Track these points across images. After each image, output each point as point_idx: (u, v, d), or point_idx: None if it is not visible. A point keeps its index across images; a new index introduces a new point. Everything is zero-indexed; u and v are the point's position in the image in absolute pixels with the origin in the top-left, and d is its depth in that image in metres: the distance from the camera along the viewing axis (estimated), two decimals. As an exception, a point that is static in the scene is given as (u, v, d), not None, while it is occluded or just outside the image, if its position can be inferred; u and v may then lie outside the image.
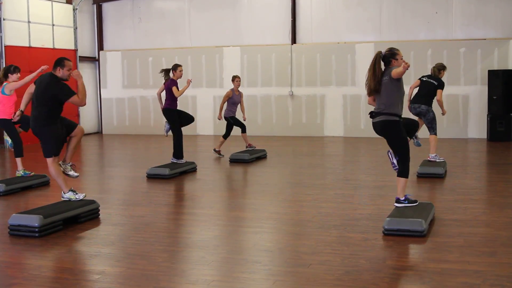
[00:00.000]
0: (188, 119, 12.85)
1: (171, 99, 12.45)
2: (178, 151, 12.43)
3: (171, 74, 12.56)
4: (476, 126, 17.98)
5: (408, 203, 7.73)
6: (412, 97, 11.71)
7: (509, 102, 17.05)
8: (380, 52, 7.62)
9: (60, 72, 8.09)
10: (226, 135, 14.20)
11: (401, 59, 7.55)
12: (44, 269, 6.20)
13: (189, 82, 12.74)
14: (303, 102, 19.49)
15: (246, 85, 19.59)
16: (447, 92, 17.73)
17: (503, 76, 16.97)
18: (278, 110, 19.73)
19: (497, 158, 14.13)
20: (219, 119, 14.33)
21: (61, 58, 8.17)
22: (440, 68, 11.85)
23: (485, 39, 17.83)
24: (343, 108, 19.07)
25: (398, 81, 7.52)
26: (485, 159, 14.27)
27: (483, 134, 17.69)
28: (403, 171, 7.69)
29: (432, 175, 10.93)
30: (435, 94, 11.60)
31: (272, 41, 19.81)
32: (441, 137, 17.45)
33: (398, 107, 7.58)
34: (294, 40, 19.59)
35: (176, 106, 12.62)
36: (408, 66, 7.13)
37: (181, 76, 12.59)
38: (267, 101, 19.75)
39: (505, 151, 15.09)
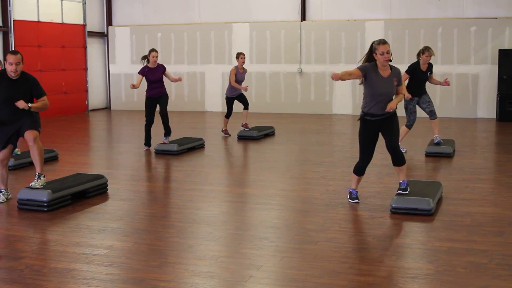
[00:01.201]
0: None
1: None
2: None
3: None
4: (486, 106, 17.89)
5: (349, 197, 7.70)
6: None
7: (519, 82, 16.95)
8: (372, 44, 7.27)
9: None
10: (228, 114, 13.94)
11: (381, 54, 7.06)
12: (52, 243, 6.25)
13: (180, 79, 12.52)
14: (312, 79, 19.43)
15: (255, 61, 19.53)
16: (457, 71, 17.71)
17: (513, 56, 16.86)
18: (287, 87, 19.67)
19: (505, 138, 14.07)
20: (246, 90, 13.77)
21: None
22: (418, 53, 11.10)
23: (496, 18, 17.68)
24: (352, 86, 18.98)
25: (364, 82, 7.30)
26: (493, 139, 14.21)
27: (492, 114, 17.61)
28: (354, 166, 7.64)
29: (441, 154, 10.91)
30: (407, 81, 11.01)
31: (282, 18, 19.70)
32: (450, 116, 17.43)
33: (368, 105, 7.27)
34: (303, 17, 19.48)
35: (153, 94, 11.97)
36: (333, 78, 6.92)
37: (155, 62, 11.84)
38: (275, 78, 19.70)
39: (514, 131, 15.04)
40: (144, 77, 11.79)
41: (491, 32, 17.68)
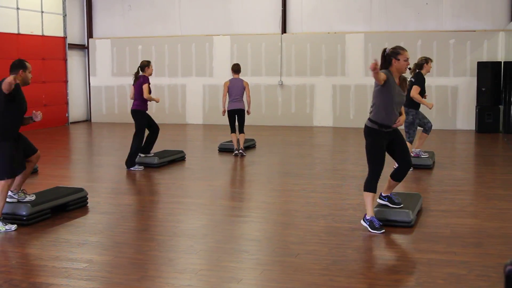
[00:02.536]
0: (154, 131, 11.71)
1: (141, 100, 11.43)
2: (132, 158, 11.33)
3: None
4: (465, 118, 18.04)
5: (369, 225, 6.89)
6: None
7: (498, 94, 17.12)
8: (384, 50, 6.95)
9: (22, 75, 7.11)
10: (232, 129, 12.93)
11: (405, 60, 6.82)
12: (31, 257, 6.20)
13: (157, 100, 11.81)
14: (292, 91, 19.48)
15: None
16: (436, 83, 17.84)
17: (492, 68, 17.02)
18: (268, 99, 19.71)
19: (485, 150, 14.19)
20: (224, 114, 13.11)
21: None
22: (421, 62, 10.89)
23: (474, 31, 17.87)
24: (332, 98, 19.08)
25: (383, 86, 6.78)
26: (473, 151, 14.33)
27: (472, 126, 17.77)
28: (367, 185, 6.98)
29: (420, 166, 10.98)
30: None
31: (262, 31, 19.77)
32: (430, 128, 17.51)
33: (382, 115, 6.85)
34: (284, 30, 19.57)
35: (146, 108, 11.57)
36: (374, 67, 6.34)
37: (151, 73, 11.58)
38: (256, 91, 19.72)
39: (493, 142, 15.16)
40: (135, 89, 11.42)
41: (470, 45, 17.86)
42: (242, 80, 12.99)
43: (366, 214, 6.98)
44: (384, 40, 18.29)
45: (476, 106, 17.30)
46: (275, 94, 19.64)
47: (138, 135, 11.34)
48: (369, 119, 6.99)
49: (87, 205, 8.25)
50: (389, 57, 6.86)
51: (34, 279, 5.43)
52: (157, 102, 11.66)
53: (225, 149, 13.43)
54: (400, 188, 9.31)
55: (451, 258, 5.89)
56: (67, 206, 7.90)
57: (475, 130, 17.28)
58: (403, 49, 6.90)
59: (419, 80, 10.68)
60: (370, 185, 6.95)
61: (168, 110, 20.60)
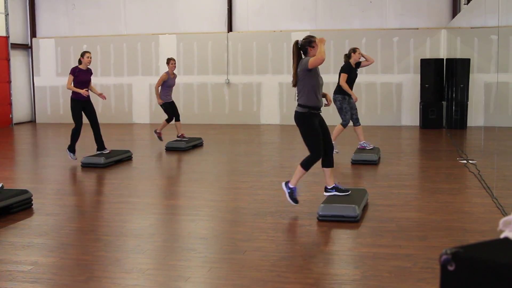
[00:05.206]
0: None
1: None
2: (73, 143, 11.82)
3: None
4: (409, 114, 18.34)
5: (289, 192, 7.58)
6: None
7: (441, 91, 17.46)
8: (296, 42, 7.55)
9: None
10: (169, 119, 13.80)
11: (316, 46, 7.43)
12: (-26, 261, 6.08)
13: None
14: (239, 90, 19.52)
15: (182, 73, 19.51)
16: (381, 80, 18.08)
17: (435, 65, 17.35)
18: (215, 98, 19.71)
19: (428, 145, 14.45)
20: (160, 104, 13.74)
21: None
22: (349, 52, 11.65)
23: (417, 29, 18.18)
24: (279, 96, 19.17)
25: (310, 71, 7.37)
26: (417, 146, 14.58)
27: (416, 122, 18.08)
28: (306, 163, 7.45)
29: (366, 162, 11.12)
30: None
31: (208, 29, 19.75)
32: (375, 124, 17.78)
33: (313, 98, 7.40)
34: (230, 28, 19.58)
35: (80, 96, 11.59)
36: (323, 41, 7.26)
37: (89, 63, 11.73)
38: (203, 89, 19.71)
39: (436, 138, 15.45)
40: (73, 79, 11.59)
41: (413, 42, 18.16)
42: None
43: (289, 182, 7.61)
44: (329, 37, 18.44)
45: (420, 103, 17.61)
46: (222, 93, 19.64)
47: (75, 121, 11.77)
48: (299, 105, 7.48)
49: (32, 207, 8.12)
50: (304, 47, 7.50)
51: (-23, 283, 5.33)
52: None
53: (172, 148, 13.37)
54: (347, 184, 9.42)
55: (396, 251, 5.98)
56: (11, 208, 7.75)
57: (419, 126, 17.59)
58: (314, 36, 7.55)
59: (347, 68, 11.51)
60: (308, 164, 7.47)
61: (114, 109, 20.41)
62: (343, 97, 11.54)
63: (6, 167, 12.20)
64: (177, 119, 13.97)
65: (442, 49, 18.02)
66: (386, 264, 5.60)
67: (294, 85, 7.62)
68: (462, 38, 17.61)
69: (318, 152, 7.43)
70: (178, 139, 13.85)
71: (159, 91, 13.63)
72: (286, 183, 7.67)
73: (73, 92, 11.60)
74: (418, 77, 17.88)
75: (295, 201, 7.59)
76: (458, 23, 17.41)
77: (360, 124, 11.89)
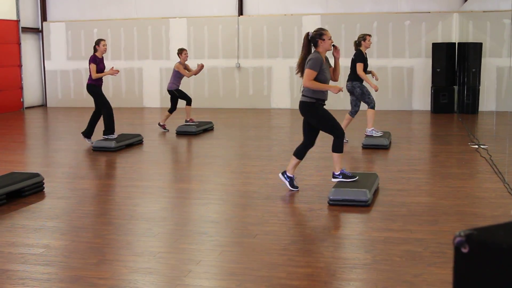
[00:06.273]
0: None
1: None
2: (110, 126, 11.93)
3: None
4: (420, 98, 18.26)
5: (342, 178, 7.69)
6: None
7: (452, 75, 17.35)
8: (307, 34, 7.57)
9: None
10: (171, 109, 13.81)
11: (329, 39, 7.47)
12: (-13, 243, 6.11)
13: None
14: (250, 74, 19.48)
15: (193, 57, 19.46)
16: (392, 64, 18.00)
17: (446, 49, 17.23)
18: (225, 82, 19.68)
19: (440, 130, 14.39)
20: (202, 66, 13.70)
21: None
22: (359, 39, 11.53)
23: (429, 12, 18.05)
24: (290, 80, 19.12)
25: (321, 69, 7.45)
26: (428, 131, 14.53)
27: (427, 106, 17.99)
28: (336, 146, 7.66)
29: (377, 146, 11.10)
30: (356, 69, 11.34)
31: (219, 13, 19.69)
32: (386, 109, 17.72)
33: (317, 91, 7.46)
34: (241, 12, 19.51)
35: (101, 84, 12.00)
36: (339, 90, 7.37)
37: (105, 51, 11.95)
38: (214, 74, 19.68)
39: (447, 122, 15.38)
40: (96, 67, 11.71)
41: (425, 26, 18.05)
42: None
43: (334, 172, 7.78)
44: (340, 22, 18.38)
45: (431, 87, 17.51)
46: (232, 77, 19.61)
47: (104, 105, 11.87)
48: (304, 96, 7.52)
49: (44, 190, 8.16)
50: (315, 39, 7.50)
51: (-11, 265, 5.36)
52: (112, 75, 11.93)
53: (183, 133, 13.38)
54: (358, 168, 9.42)
55: (407, 236, 5.98)
56: (23, 191, 7.79)
57: (431, 111, 17.51)
58: (325, 29, 7.58)
59: (359, 57, 11.32)
60: (340, 147, 7.65)
61: (125, 94, 20.42)
62: (360, 83, 11.42)
63: (18, 151, 12.25)
64: (188, 103, 13.98)
65: (454, 33, 17.90)
66: (396, 248, 5.60)
67: (297, 73, 7.68)
68: (474, 22, 17.49)
69: (340, 130, 7.59)
70: (188, 123, 13.85)
71: (174, 78, 13.69)
72: (334, 175, 7.77)
73: (93, 79, 11.71)
74: (429, 61, 17.77)
75: (353, 176, 7.70)
76: (470, 6, 17.29)
77: (374, 108, 11.74)
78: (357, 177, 7.71)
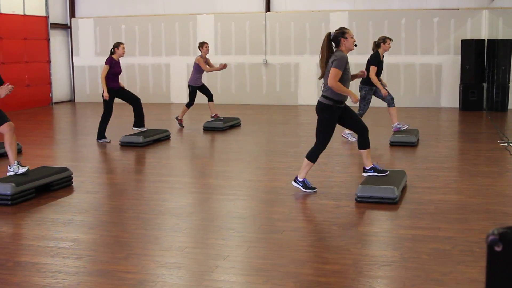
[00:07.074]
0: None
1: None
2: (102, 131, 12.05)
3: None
4: (449, 96, 18.10)
5: (302, 186, 7.61)
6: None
7: (481, 72, 17.18)
8: (329, 34, 7.45)
9: None
10: (189, 104, 13.86)
11: (351, 37, 7.37)
12: (16, 237, 6.19)
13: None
14: (277, 70, 19.46)
15: (220, 53, 19.51)
16: (420, 61, 17.87)
17: (476, 46, 17.06)
18: (252, 78, 19.68)
19: (468, 127, 14.27)
20: (225, 66, 13.80)
21: None
22: (379, 41, 11.42)
23: (458, 9, 17.88)
24: (317, 76, 19.01)
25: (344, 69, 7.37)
26: (456, 128, 14.41)
27: (456, 104, 17.83)
28: (311, 155, 7.57)
29: (405, 144, 11.03)
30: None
31: (246, 9, 19.68)
32: (414, 106, 17.62)
33: (337, 93, 7.33)
34: (268, 8, 19.49)
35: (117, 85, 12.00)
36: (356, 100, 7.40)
37: (122, 54, 11.92)
38: (241, 70, 19.69)
39: (476, 120, 15.24)
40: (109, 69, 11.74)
41: (454, 23, 17.88)
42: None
43: (297, 176, 7.66)
44: (368, 18, 18.29)
45: (460, 84, 17.35)
46: (259, 73, 19.60)
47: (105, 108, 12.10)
48: (323, 96, 7.43)
49: (72, 184, 8.23)
50: (337, 38, 7.38)
51: (19, 258, 5.42)
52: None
53: (210, 128, 13.41)
54: (385, 165, 9.37)
55: (436, 234, 5.93)
56: (52, 186, 7.86)
57: (459, 108, 17.35)
58: (347, 28, 7.48)
59: (375, 59, 11.28)
60: (314, 156, 7.58)
61: (152, 89, 20.52)
62: (370, 88, 11.34)
63: (46, 146, 12.37)
64: (210, 100, 14.02)
65: (484, 30, 17.70)
66: (425, 246, 5.56)
67: (321, 78, 7.57)
68: (504, 18, 17.30)
69: (323, 146, 7.55)
70: (213, 119, 13.90)
71: (194, 74, 13.73)
72: (296, 180, 7.70)
73: (106, 81, 11.76)
74: (458, 58, 17.60)
75: (313, 189, 7.62)
76: (501, 3, 17.09)
77: (394, 106, 11.70)
78: (388, 172, 7.73)
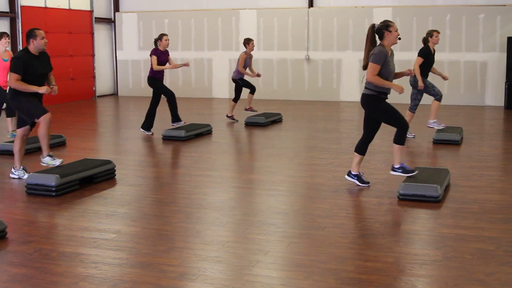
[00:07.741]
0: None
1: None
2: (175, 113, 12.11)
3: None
4: (494, 94, 17.81)
5: (402, 172, 7.51)
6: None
7: (528, 70, 16.88)
8: (373, 25, 7.42)
9: (33, 44, 7.88)
10: (236, 99, 13.90)
11: (395, 31, 7.32)
12: (60, 228, 6.27)
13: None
14: (319, 66, 19.38)
15: (262, 48, 19.50)
16: (465, 58, 17.63)
17: (522, 43, 16.77)
18: (294, 74, 19.63)
19: (513, 126, 14.04)
20: (259, 76, 14.03)
21: (31, 30, 7.97)
22: (426, 36, 11.34)
23: (505, 5, 17.57)
24: (359, 73, 18.91)
25: (385, 62, 7.34)
26: (501, 127, 14.17)
27: (501, 102, 17.54)
28: (398, 137, 7.50)
29: (448, 142, 10.89)
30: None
31: (289, 4, 19.64)
32: (458, 104, 17.40)
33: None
34: (311, 4, 19.41)
35: (161, 77, 12.06)
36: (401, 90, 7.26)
37: (167, 45, 11.99)
38: (283, 65, 19.66)
39: (522, 119, 14.99)
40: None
41: (500, 20, 17.58)
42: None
43: (393, 165, 7.59)
44: (412, 14, 18.09)
45: (505, 82, 17.06)
46: (301, 69, 19.55)
47: (154, 99, 12.12)
48: (367, 88, 7.47)
49: (115, 177, 8.32)
50: (381, 31, 7.35)
51: (63, 249, 5.50)
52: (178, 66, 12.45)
53: (251, 123, 13.42)
54: (428, 163, 9.28)
55: (479, 233, 5.85)
56: (95, 178, 7.96)
57: (504, 106, 17.06)
58: (391, 21, 7.41)
59: (423, 52, 11.18)
60: (402, 139, 7.49)
61: (194, 84, 20.62)
62: (423, 78, 11.20)
63: (90, 138, 12.53)
64: (252, 92, 14.02)
65: (531, 27, 17.39)
66: (468, 246, 5.49)
67: (364, 68, 7.54)
68: (552, 15, 16.96)
69: (404, 122, 7.47)
70: (249, 111, 14.04)
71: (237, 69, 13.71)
72: (393, 168, 7.63)
73: (154, 72, 11.82)
74: (504, 55, 17.31)
75: (413, 171, 7.50)
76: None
77: (439, 102, 11.50)
78: (417, 171, 7.52)
